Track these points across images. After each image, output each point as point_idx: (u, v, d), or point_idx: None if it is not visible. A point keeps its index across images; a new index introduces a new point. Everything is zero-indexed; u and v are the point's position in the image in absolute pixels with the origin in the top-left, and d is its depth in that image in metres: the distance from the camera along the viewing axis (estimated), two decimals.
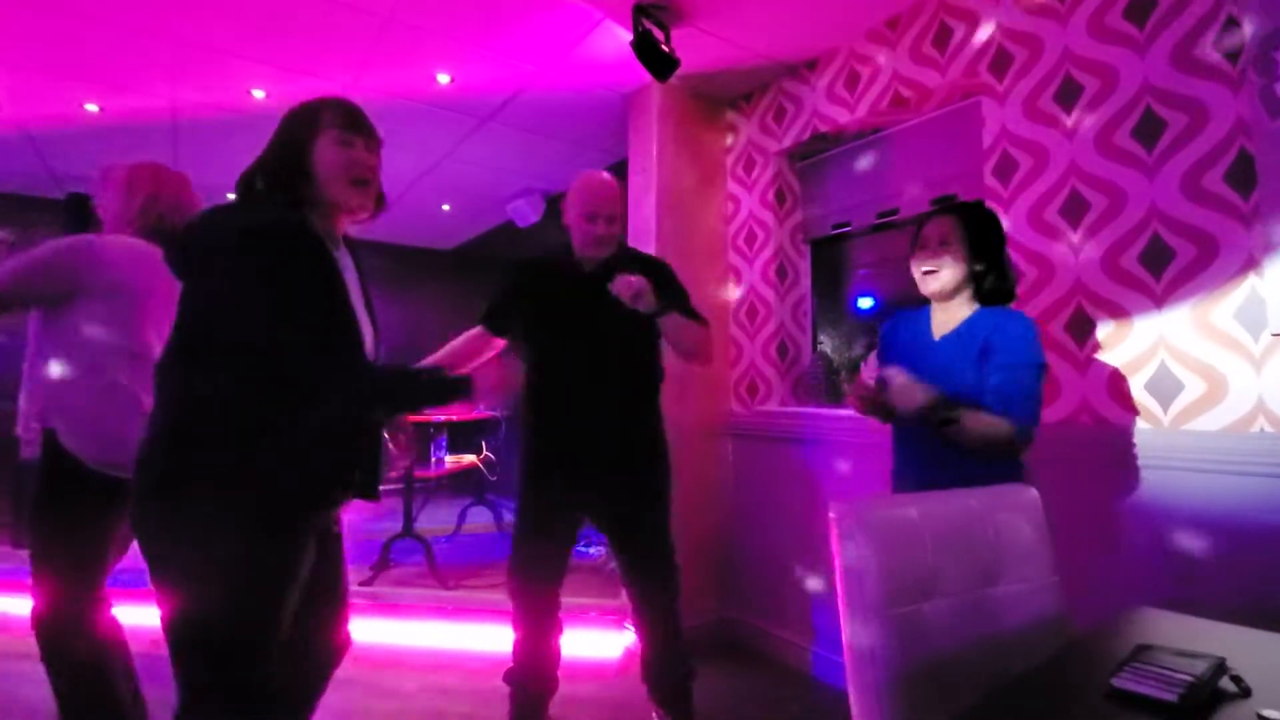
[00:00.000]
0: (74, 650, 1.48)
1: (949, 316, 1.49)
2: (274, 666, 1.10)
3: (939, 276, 1.46)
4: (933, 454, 1.43)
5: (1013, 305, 1.51)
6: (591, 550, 3.49)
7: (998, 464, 1.34)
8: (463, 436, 4.54)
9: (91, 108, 3.16)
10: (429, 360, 1.80)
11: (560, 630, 1.90)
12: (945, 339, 1.48)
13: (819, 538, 2.41)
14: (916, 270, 1.50)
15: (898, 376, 1.36)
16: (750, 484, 2.77)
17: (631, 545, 1.87)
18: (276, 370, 1.07)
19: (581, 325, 1.76)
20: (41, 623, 1.48)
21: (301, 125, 1.19)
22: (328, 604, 1.29)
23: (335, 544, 1.32)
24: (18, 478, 3.73)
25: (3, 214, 4.63)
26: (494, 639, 2.62)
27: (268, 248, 1.06)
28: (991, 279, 1.46)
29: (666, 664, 1.87)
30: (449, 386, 1.26)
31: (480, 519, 4.20)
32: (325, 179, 1.17)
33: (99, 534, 1.54)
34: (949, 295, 1.48)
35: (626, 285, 1.58)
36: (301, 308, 1.07)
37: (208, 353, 1.08)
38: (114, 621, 1.61)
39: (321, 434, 1.14)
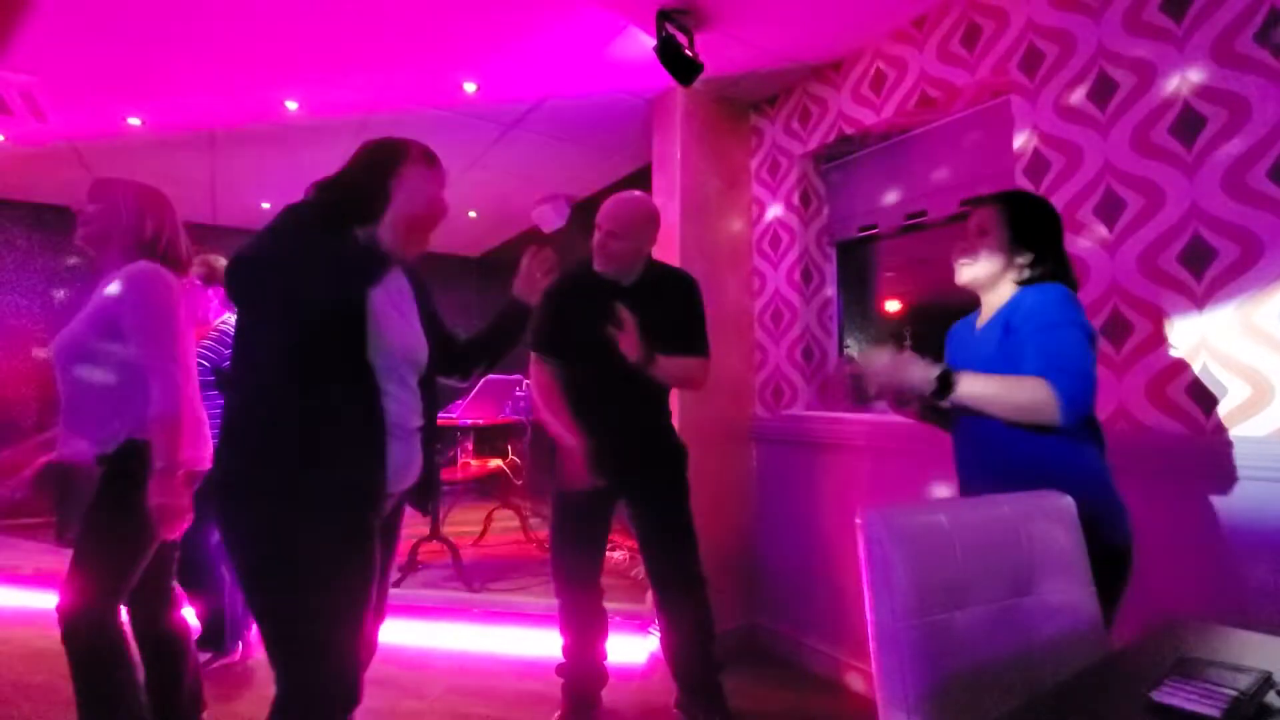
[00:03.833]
0: (98, 648, 1.50)
1: (989, 306, 1.45)
2: (357, 662, 1.15)
3: (971, 268, 1.42)
4: (989, 437, 1.34)
5: None
6: (615, 554, 3.49)
7: (1059, 443, 1.25)
8: (489, 440, 4.58)
9: (134, 121, 3.27)
10: (555, 419, 1.90)
11: (606, 624, 2.03)
12: (983, 328, 1.43)
13: (846, 544, 2.38)
14: (955, 262, 1.47)
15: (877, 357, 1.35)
16: (775, 489, 2.74)
17: (657, 539, 1.97)
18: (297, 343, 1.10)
19: (599, 337, 1.81)
20: (71, 617, 1.50)
21: (387, 151, 1.24)
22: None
23: (389, 545, 1.34)
24: (61, 476, 3.87)
25: (49, 224, 4.81)
26: (519, 642, 2.64)
27: (275, 223, 1.11)
28: (1040, 269, 1.36)
29: (695, 658, 1.96)
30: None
31: (506, 522, 4.23)
32: (404, 207, 1.21)
33: (152, 540, 1.57)
34: (985, 286, 1.43)
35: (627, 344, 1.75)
36: (285, 254, 1.08)
37: (252, 356, 1.15)
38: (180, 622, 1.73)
39: (352, 419, 1.15)
